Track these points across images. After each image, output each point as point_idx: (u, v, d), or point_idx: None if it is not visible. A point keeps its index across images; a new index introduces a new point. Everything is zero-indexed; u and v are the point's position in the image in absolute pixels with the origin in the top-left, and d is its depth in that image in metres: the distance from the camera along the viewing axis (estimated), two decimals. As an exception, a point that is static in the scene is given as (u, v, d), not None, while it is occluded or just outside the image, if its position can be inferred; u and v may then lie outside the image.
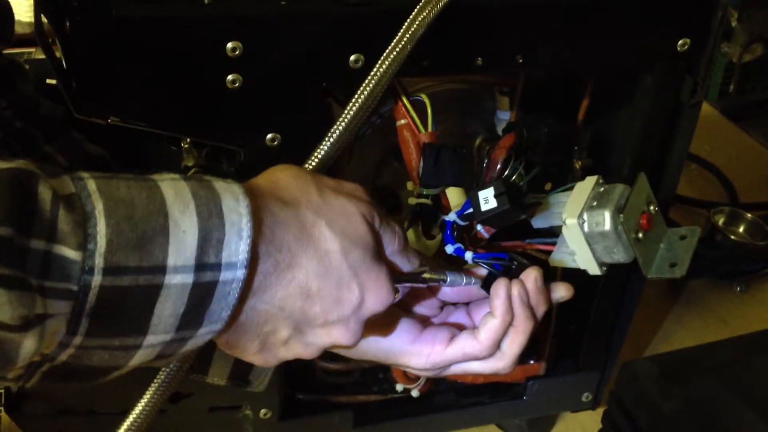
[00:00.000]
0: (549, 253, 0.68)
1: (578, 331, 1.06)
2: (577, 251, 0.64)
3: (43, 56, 0.71)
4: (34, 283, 0.39)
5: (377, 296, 0.53)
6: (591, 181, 0.66)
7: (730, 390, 0.93)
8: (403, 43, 0.64)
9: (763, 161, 1.89)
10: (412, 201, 0.79)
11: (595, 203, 0.63)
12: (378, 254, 0.54)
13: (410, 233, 0.80)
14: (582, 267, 0.65)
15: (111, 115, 0.67)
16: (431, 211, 0.78)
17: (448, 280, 0.62)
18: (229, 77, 0.67)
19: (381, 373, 1.05)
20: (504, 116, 0.89)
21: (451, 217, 0.67)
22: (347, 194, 0.53)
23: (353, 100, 0.63)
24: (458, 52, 0.74)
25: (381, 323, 0.60)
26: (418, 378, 0.94)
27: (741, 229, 1.54)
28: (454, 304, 0.67)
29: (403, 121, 0.77)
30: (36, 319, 0.40)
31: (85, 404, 0.90)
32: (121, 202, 0.43)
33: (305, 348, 0.53)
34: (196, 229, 0.44)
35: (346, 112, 0.63)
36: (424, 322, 0.63)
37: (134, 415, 0.56)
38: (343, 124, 0.62)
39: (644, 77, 0.84)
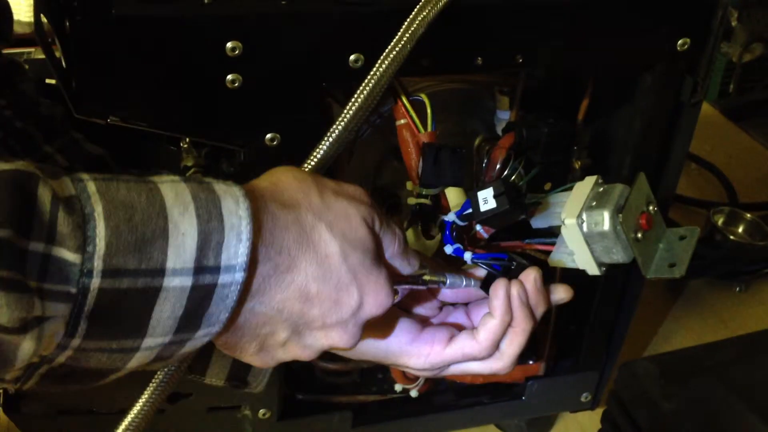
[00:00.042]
0: (548, 253, 0.68)
1: (578, 332, 1.06)
2: (576, 251, 0.64)
3: (42, 56, 0.71)
4: (32, 285, 0.39)
5: (376, 299, 0.53)
6: (590, 181, 0.66)
7: (730, 390, 0.94)
8: (402, 42, 0.64)
9: (763, 161, 1.89)
10: (412, 201, 0.79)
11: (594, 203, 0.63)
12: (377, 257, 0.53)
13: (410, 233, 0.80)
14: (581, 267, 0.65)
15: (110, 114, 0.67)
16: (431, 211, 0.78)
17: (448, 282, 0.62)
18: (229, 77, 0.67)
19: (380, 373, 1.05)
20: (504, 116, 0.89)
21: (451, 217, 0.67)
22: (348, 196, 0.53)
23: (353, 100, 0.63)
24: (458, 51, 0.74)
25: (380, 324, 0.60)
26: (417, 378, 0.93)
27: (740, 229, 1.54)
28: (453, 305, 0.67)
29: (402, 121, 0.77)
30: (34, 321, 0.40)
31: (83, 404, 0.90)
32: (120, 205, 0.42)
33: (303, 350, 0.53)
34: (196, 231, 0.44)
35: (345, 111, 0.63)
36: (423, 323, 0.63)
37: (132, 415, 0.55)
38: (342, 123, 0.62)
39: (644, 77, 0.84)
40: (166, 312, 0.44)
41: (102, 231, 0.41)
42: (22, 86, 0.80)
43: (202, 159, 0.85)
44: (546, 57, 0.77)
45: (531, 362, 1.05)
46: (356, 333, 0.53)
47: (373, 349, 0.62)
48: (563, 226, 0.63)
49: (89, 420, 0.90)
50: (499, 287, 0.59)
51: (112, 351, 0.44)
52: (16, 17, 0.78)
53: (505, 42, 0.75)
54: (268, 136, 0.71)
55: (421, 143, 0.76)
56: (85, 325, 0.42)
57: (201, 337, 0.47)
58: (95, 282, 0.41)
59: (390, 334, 0.61)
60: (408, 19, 0.65)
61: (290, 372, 0.97)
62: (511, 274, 0.61)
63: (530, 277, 0.60)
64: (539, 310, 0.61)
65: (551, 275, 0.82)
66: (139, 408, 0.55)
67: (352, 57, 0.69)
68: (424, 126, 0.76)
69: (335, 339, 0.53)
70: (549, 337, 1.04)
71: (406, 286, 0.60)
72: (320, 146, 0.62)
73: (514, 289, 0.59)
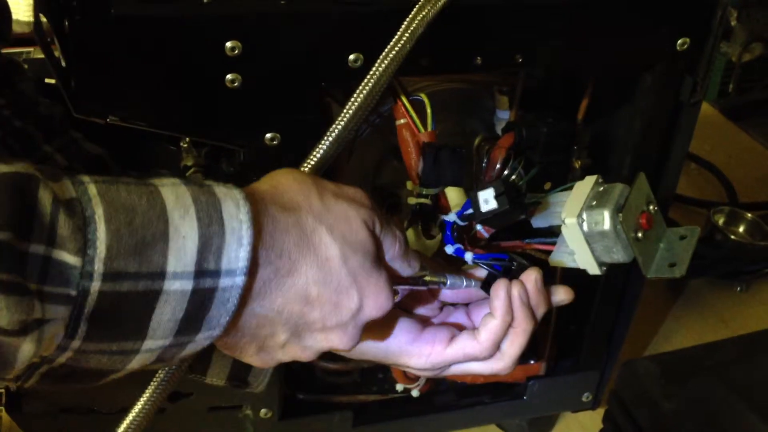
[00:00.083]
0: (548, 253, 0.67)
1: (578, 331, 1.06)
2: (576, 251, 0.64)
3: (42, 56, 0.71)
4: (32, 288, 0.39)
5: (376, 302, 0.53)
6: (590, 180, 0.66)
7: (731, 389, 0.93)
8: (402, 42, 0.64)
9: (763, 161, 1.89)
10: (412, 200, 0.79)
11: (594, 203, 0.63)
12: (378, 260, 0.53)
13: (410, 233, 0.80)
14: (581, 267, 0.65)
15: (110, 114, 0.66)
16: (431, 210, 0.78)
17: (448, 282, 0.62)
18: (229, 76, 0.67)
19: (381, 373, 1.05)
20: (503, 116, 0.89)
21: (451, 217, 0.67)
22: (349, 199, 0.53)
23: (352, 100, 0.63)
24: (457, 51, 0.74)
25: (380, 325, 0.60)
26: (418, 378, 0.93)
27: (741, 229, 1.54)
28: (454, 305, 0.67)
29: (402, 121, 0.77)
30: (34, 324, 0.40)
31: (85, 403, 0.90)
32: (121, 207, 0.42)
33: (303, 351, 0.53)
34: (197, 234, 0.44)
35: (345, 111, 0.63)
36: (424, 323, 0.63)
37: (134, 414, 0.55)
38: (342, 123, 0.62)
39: (644, 77, 0.84)
40: (166, 315, 0.44)
41: (103, 234, 0.41)
42: (21, 86, 0.80)
43: (202, 159, 0.85)
44: (545, 57, 0.77)
45: (532, 362, 1.05)
46: (356, 335, 0.53)
47: (374, 349, 0.62)
48: (563, 225, 0.63)
49: (90, 419, 0.90)
50: (500, 288, 0.59)
51: (112, 353, 0.44)
52: (15, 17, 0.78)
53: (504, 42, 0.75)
54: (268, 135, 0.71)
55: (421, 143, 0.76)
56: (85, 328, 0.42)
57: (202, 340, 0.47)
58: (95, 285, 0.41)
59: (390, 335, 0.61)
60: (407, 19, 0.65)
61: (291, 372, 0.97)
62: (512, 275, 0.61)
63: (531, 277, 0.60)
64: (540, 311, 0.61)
65: (552, 275, 0.82)
66: (140, 407, 0.55)
67: (351, 57, 0.69)
68: (424, 126, 0.76)
69: (335, 341, 0.53)
70: (550, 336, 1.04)
71: (406, 287, 0.60)
72: (320, 146, 0.62)
73: (515, 290, 0.59)
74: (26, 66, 0.83)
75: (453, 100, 0.88)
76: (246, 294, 0.48)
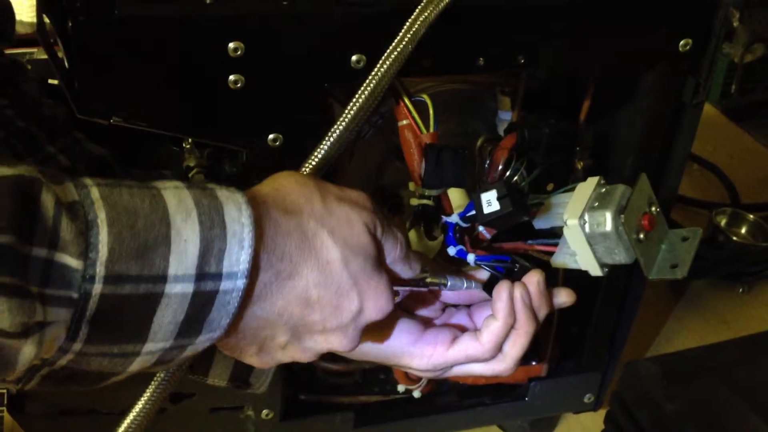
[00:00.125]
0: (550, 254, 0.67)
1: (580, 333, 1.06)
2: (578, 252, 0.64)
3: (45, 56, 0.71)
4: (34, 291, 0.39)
5: (376, 305, 0.53)
6: (592, 181, 0.66)
7: (733, 391, 0.93)
8: (404, 43, 0.64)
9: (765, 162, 1.89)
10: (414, 202, 0.79)
11: (596, 204, 0.63)
12: (378, 263, 0.54)
13: (412, 234, 0.80)
14: (583, 268, 0.65)
15: (113, 115, 0.67)
16: (433, 211, 0.78)
17: (449, 284, 0.62)
18: (231, 77, 0.67)
19: (382, 373, 1.05)
20: (506, 116, 0.89)
21: (454, 219, 0.67)
22: (351, 202, 0.53)
23: (354, 100, 0.63)
24: (460, 52, 0.74)
25: (381, 326, 0.60)
26: (419, 379, 0.93)
27: (743, 230, 1.54)
28: (456, 306, 0.67)
29: (404, 122, 0.77)
30: (36, 327, 0.40)
31: (86, 404, 0.90)
32: (123, 211, 0.42)
33: (303, 352, 0.54)
34: (198, 238, 0.44)
35: (346, 111, 0.63)
36: (426, 324, 0.63)
37: (134, 414, 0.56)
38: (343, 123, 0.62)
39: (646, 77, 0.84)
40: (167, 318, 0.44)
41: (105, 237, 0.41)
42: (24, 86, 0.80)
43: (205, 159, 0.85)
44: (548, 58, 0.77)
45: (534, 363, 1.05)
46: (356, 337, 0.53)
47: (376, 350, 0.62)
48: (565, 226, 0.63)
49: (92, 420, 0.90)
50: (502, 289, 0.59)
51: (113, 355, 0.44)
52: (18, 17, 0.78)
53: (506, 43, 0.75)
54: (271, 136, 0.71)
55: (423, 144, 0.76)
56: (86, 330, 0.42)
57: (202, 342, 0.47)
58: (97, 288, 0.41)
59: (392, 336, 0.61)
60: (409, 20, 0.65)
61: (293, 373, 0.97)
62: (514, 277, 0.61)
63: (533, 279, 0.60)
64: (542, 313, 0.61)
65: (553, 276, 0.82)
66: (140, 407, 0.55)
67: (354, 58, 0.69)
68: (427, 127, 0.76)
69: (335, 343, 0.53)
70: (551, 338, 1.04)
71: (407, 288, 0.60)
72: (321, 146, 0.62)
73: (518, 292, 0.59)
74: (29, 67, 0.84)
75: (455, 101, 0.88)
76: (247, 296, 0.48)
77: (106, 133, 0.74)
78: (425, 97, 0.77)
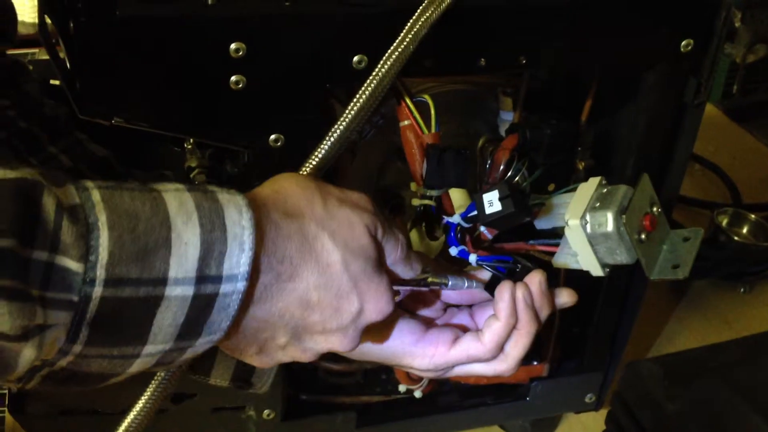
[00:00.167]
0: (552, 254, 0.67)
1: (581, 333, 1.06)
2: (579, 252, 0.64)
3: (46, 57, 0.71)
4: (35, 294, 0.39)
5: (376, 306, 0.53)
6: (594, 182, 0.66)
7: (734, 391, 0.93)
8: (405, 43, 0.64)
9: (767, 162, 1.88)
10: (416, 202, 0.79)
11: (597, 204, 0.63)
12: (379, 265, 0.54)
13: (413, 234, 0.80)
14: (584, 268, 0.65)
15: (115, 115, 0.67)
16: (434, 212, 0.78)
17: (450, 283, 0.62)
18: (233, 78, 0.67)
19: (384, 373, 1.05)
20: (507, 117, 0.89)
21: (455, 219, 0.67)
22: (352, 204, 0.53)
23: (354, 100, 0.63)
24: (461, 52, 0.74)
25: (383, 327, 0.60)
26: (421, 379, 0.93)
27: (744, 230, 1.54)
28: (457, 306, 0.67)
29: (406, 122, 0.77)
30: (36, 329, 0.40)
31: (87, 404, 0.90)
32: (124, 214, 0.43)
33: (303, 352, 0.54)
34: (199, 241, 0.45)
35: (347, 112, 0.63)
36: (428, 324, 0.63)
37: (134, 413, 0.56)
38: (343, 124, 0.62)
39: (647, 78, 0.83)
40: (167, 320, 0.44)
41: (105, 241, 0.41)
42: (26, 87, 0.80)
43: (206, 160, 0.85)
44: (549, 58, 0.77)
45: (535, 363, 1.05)
46: (356, 338, 0.54)
47: (377, 350, 0.62)
48: (567, 227, 0.63)
49: (93, 420, 0.90)
50: (504, 290, 0.59)
51: (112, 357, 0.45)
52: (20, 18, 0.78)
53: (508, 43, 0.75)
54: (272, 137, 0.71)
55: (424, 144, 0.76)
56: (86, 332, 0.42)
57: (202, 344, 0.47)
58: (97, 291, 0.41)
59: (393, 336, 0.61)
60: (411, 20, 0.65)
61: (294, 373, 0.97)
62: (516, 277, 0.61)
63: (535, 279, 0.60)
64: (544, 313, 0.61)
65: (555, 276, 0.82)
66: (141, 406, 0.56)
67: (355, 58, 0.69)
68: (428, 127, 0.76)
69: (335, 343, 0.53)
70: (553, 338, 1.04)
71: (407, 288, 0.60)
72: (321, 146, 0.62)
73: (520, 292, 0.59)
74: (31, 67, 0.84)
75: (457, 102, 0.88)
76: (247, 298, 0.48)
77: (108, 134, 0.74)
78: (427, 98, 0.77)
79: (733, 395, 0.93)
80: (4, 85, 0.78)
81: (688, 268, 0.64)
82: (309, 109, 0.71)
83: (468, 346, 0.60)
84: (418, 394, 0.96)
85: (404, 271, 0.58)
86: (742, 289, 1.48)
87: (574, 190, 0.66)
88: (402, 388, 0.96)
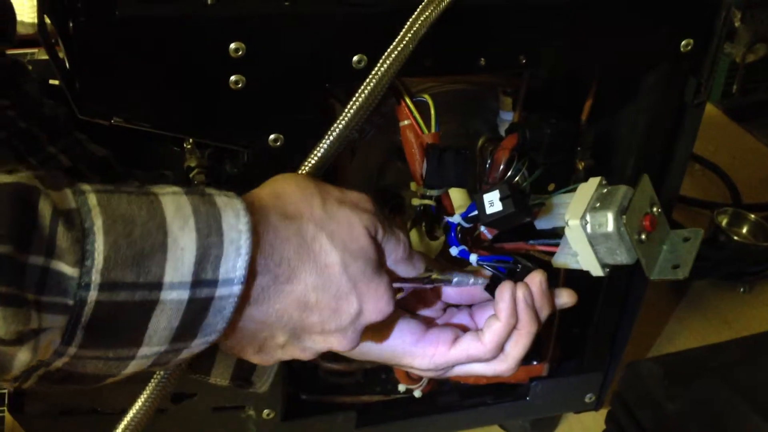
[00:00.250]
0: (552, 254, 0.67)
1: (581, 333, 1.06)
2: (579, 252, 0.64)
3: (46, 57, 0.71)
4: (30, 298, 0.40)
5: (376, 307, 0.53)
6: (594, 182, 0.66)
7: (734, 391, 0.93)
8: (404, 42, 0.64)
9: (767, 162, 1.88)
10: (416, 202, 0.79)
11: (597, 204, 0.63)
12: (379, 266, 0.54)
13: (413, 234, 0.80)
14: (585, 268, 0.65)
15: (114, 115, 0.67)
16: (434, 211, 0.78)
17: (455, 280, 0.62)
18: (232, 78, 0.67)
19: (384, 373, 1.05)
20: (507, 117, 0.89)
21: (455, 219, 0.67)
22: (351, 205, 0.53)
23: (353, 100, 0.63)
24: (461, 52, 0.74)
25: (383, 326, 0.60)
26: (420, 378, 0.93)
27: (744, 230, 1.54)
28: (457, 306, 0.67)
29: (406, 122, 0.77)
30: (31, 333, 0.40)
31: (86, 404, 0.90)
32: (120, 218, 0.43)
33: (302, 351, 0.54)
34: (195, 246, 0.45)
35: (346, 111, 0.62)
36: (428, 324, 0.63)
37: (133, 412, 0.56)
38: (342, 123, 0.62)
39: (647, 78, 0.83)
40: (162, 323, 0.45)
41: (101, 245, 0.41)
42: (25, 87, 0.80)
43: (206, 159, 0.85)
44: (549, 58, 0.77)
45: (535, 363, 1.05)
46: (355, 338, 0.54)
47: (378, 349, 0.62)
48: (567, 227, 0.63)
49: (92, 419, 0.90)
50: (504, 290, 0.59)
51: (108, 359, 0.45)
52: (19, 18, 0.78)
53: (508, 43, 0.75)
54: (272, 136, 0.71)
55: (424, 144, 0.76)
56: (81, 335, 0.42)
57: (198, 345, 0.47)
58: (92, 295, 0.41)
59: (393, 336, 0.61)
60: (410, 20, 0.65)
61: (294, 372, 0.97)
62: (516, 277, 0.61)
63: (535, 280, 0.60)
64: (544, 313, 0.61)
65: (555, 277, 0.82)
66: (140, 405, 0.56)
67: (355, 58, 0.69)
68: (428, 127, 0.76)
69: (334, 343, 0.53)
70: (553, 338, 1.04)
71: (410, 285, 0.60)
72: (320, 146, 0.62)
73: (520, 292, 0.59)
74: (31, 67, 0.84)
75: (457, 102, 0.88)
76: (244, 300, 0.48)
77: (108, 134, 0.74)
78: (427, 97, 0.77)
79: (733, 395, 0.93)
80: (4, 85, 0.78)
81: (688, 268, 0.64)
82: (308, 108, 0.71)
83: (468, 345, 0.60)
84: (417, 393, 0.96)
85: (407, 271, 0.57)
86: (742, 289, 1.48)
87: (574, 190, 0.66)
88: (402, 387, 0.96)
